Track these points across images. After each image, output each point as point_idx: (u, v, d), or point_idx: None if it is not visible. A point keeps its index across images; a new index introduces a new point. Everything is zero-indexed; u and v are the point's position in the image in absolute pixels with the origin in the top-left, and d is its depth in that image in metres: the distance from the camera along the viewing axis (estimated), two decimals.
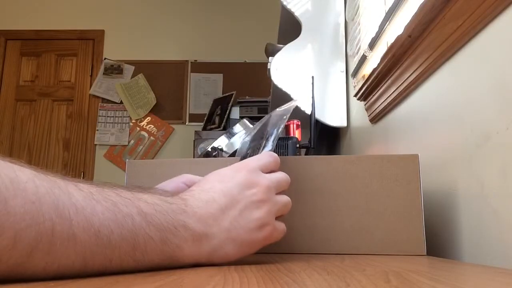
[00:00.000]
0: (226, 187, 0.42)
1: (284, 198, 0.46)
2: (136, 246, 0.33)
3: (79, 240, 0.29)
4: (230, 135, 1.60)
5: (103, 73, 3.43)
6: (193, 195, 0.40)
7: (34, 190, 0.27)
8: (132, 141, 3.36)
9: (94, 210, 0.30)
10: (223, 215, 0.40)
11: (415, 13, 0.73)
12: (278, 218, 0.45)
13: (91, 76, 3.44)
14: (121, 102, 3.39)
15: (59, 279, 0.29)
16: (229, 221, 0.40)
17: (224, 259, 0.40)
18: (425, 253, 0.56)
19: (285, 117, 0.55)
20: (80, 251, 0.29)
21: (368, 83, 1.09)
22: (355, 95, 1.27)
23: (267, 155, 0.48)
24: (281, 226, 0.45)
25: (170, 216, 0.36)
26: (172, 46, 3.45)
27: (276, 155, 0.48)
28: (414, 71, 0.79)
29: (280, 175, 0.47)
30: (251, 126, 1.62)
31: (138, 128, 3.38)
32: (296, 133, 1.33)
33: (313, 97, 1.30)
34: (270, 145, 0.54)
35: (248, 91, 3.11)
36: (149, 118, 3.38)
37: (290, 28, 1.74)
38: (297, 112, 1.46)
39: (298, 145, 1.20)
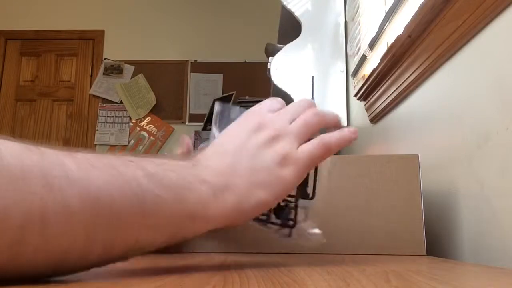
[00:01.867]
0: (233, 135, 0.39)
1: (299, 120, 0.39)
2: (145, 210, 0.30)
3: (76, 212, 0.27)
4: None
5: (103, 73, 3.42)
6: (201, 153, 0.37)
7: (19, 164, 0.25)
8: (132, 141, 3.36)
9: (90, 177, 0.28)
10: (238, 162, 0.36)
11: (415, 13, 0.73)
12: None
13: (91, 76, 3.44)
14: (121, 102, 3.39)
15: (59, 281, 0.29)
16: (246, 166, 0.36)
17: (259, 206, 0.36)
18: (425, 253, 0.56)
19: None
20: (79, 223, 0.27)
21: (368, 83, 1.09)
22: (355, 95, 1.27)
23: (270, 99, 0.42)
24: (304, 148, 0.38)
25: (182, 172, 0.33)
26: (172, 46, 3.45)
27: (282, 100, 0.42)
28: (414, 71, 0.79)
29: (296, 106, 0.41)
30: None
31: (138, 128, 3.38)
32: None
33: (313, 97, 1.30)
34: None
35: (248, 91, 3.10)
36: (149, 118, 3.38)
37: (290, 28, 1.74)
38: None
39: None
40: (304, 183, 0.45)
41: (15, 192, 0.25)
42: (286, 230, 0.45)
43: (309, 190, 0.45)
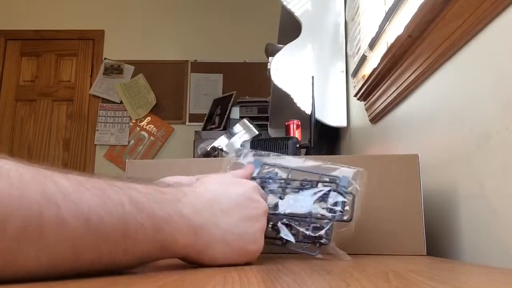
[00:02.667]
0: (231, 193, 0.41)
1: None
2: (127, 234, 0.32)
3: (69, 227, 0.28)
4: (230, 135, 1.60)
5: (103, 73, 3.42)
6: (194, 191, 0.40)
7: (18, 176, 0.27)
8: (132, 141, 3.36)
9: (82, 197, 0.29)
10: (223, 216, 0.39)
11: (415, 13, 0.73)
12: None
13: (91, 76, 3.44)
14: (121, 102, 3.38)
15: (59, 280, 0.29)
16: (228, 224, 0.39)
17: (211, 261, 0.39)
18: (425, 253, 0.56)
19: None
20: (70, 238, 0.28)
21: (368, 83, 1.09)
22: (355, 95, 1.27)
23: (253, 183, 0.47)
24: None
25: (163, 205, 0.35)
26: (172, 46, 3.45)
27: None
28: (414, 71, 0.79)
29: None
30: (251, 126, 1.62)
31: (138, 128, 3.38)
32: (296, 133, 1.33)
33: (313, 97, 1.30)
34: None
35: (248, 91, 3.11)
36: (149, 118, 3.38)
37: (290, 28, 1.74)
38: (297, 112, 1.46)
39: (298, 145, 1.20)
40: (343, 205, 0.47)
41: (15, 199, 0.26)
42: (314, 247, 0.47)
43: (348, 213, 0.48)
